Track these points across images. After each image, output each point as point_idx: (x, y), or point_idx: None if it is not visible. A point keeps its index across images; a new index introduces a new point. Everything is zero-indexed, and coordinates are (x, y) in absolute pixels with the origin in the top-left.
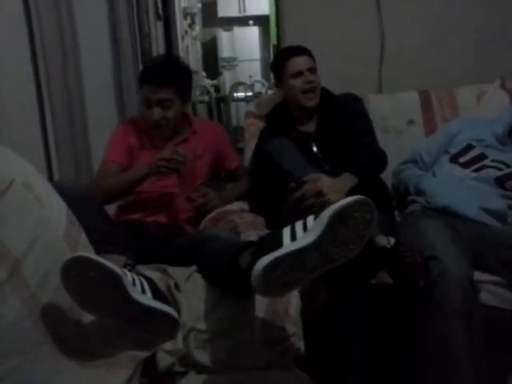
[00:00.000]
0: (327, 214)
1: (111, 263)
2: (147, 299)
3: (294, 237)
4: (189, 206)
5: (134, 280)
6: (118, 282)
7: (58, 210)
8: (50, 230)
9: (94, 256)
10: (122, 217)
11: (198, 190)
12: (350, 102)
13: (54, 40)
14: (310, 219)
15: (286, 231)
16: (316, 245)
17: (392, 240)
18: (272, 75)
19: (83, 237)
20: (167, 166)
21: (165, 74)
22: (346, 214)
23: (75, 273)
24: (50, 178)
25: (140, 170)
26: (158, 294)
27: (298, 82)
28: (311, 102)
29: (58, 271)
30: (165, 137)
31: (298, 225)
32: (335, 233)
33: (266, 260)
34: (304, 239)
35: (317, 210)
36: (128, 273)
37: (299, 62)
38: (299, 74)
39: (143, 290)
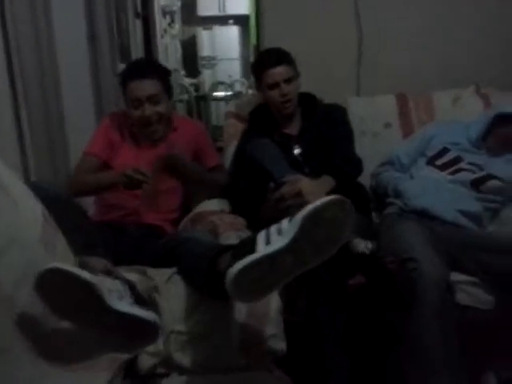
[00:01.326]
0: (300, 216)
1: (86, 272)
2: (125, 306)
3: (268, 241)
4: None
5: (111, 286)
6: (94, 292)
7: (33, 212)
8: (26, 231)
9: (67, 267)
10: (102, 217)
11: (159, 209)
12: (335, 110)
13: (28, 36)
14: (285, 222)
15: (261, 235)
16: (289, 248)
17: (370, 245)
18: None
19: (61, 238)
20: (129, 182)
21: (150, 69)
22: (320, 215)
23: (49, 284)
24: (27, 178)
25: (110, 177)
26: (137, 299)
27: (274, 93)
28: (287, 110)
29: (33, 274)
30: (159, 135)
31: (273, 228)
32: (309, 235)
33: (238, 266)
34: (277, 243)
35: (295, 210)
36: (105, 279)
37: (275, 74)
38: (275, 85)
39: (121, 297)
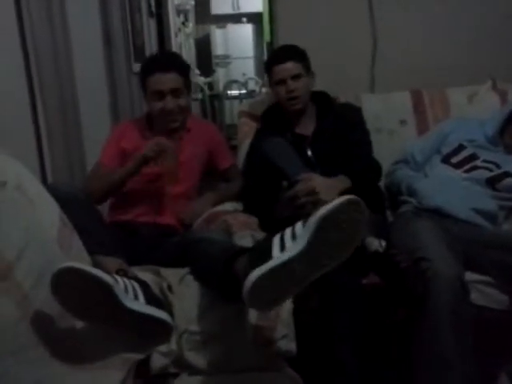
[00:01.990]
0: (314, 219)
1: (102, 272)
2: (140, 305)
3: (283, 246)
4: (180, 207)
5: (126, 286)
6: (110, 292)
7: (50, 213)
8: (43, 232)
9: (83, 266)
10: (114, 218)
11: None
12: (351, 111)
13: (45, 39)
14: (299, 226)
15: (276, 241)
16: (305, 253)
17: (383, 243)
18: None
19: (76, 239)
20: (154, 150)
21: (173, 62)
22: (334, 218)
23: (65, 284)
24: (44, 180)
25: (127, 166)
26: (151, 299)
27: (281, 90)
28: (294, 107)
29: (50, 274)
30: (177, 125)
31: (287, 233)
32: (324, 238)
33: (254, 275)
34: (292, 249)
35: (309, 208)
36: (120, 279)
37: (282, 70)
38: (282, 81)
39: (136, 296)
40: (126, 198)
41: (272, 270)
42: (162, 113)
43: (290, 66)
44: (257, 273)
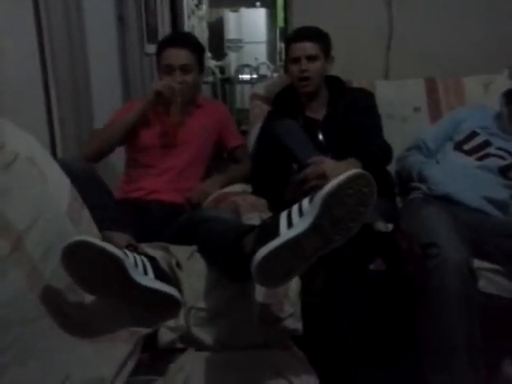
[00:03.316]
0: (321, 195)
1: (113, 246)
2: (149, 280)
3: (290, 223)
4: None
5: (135, 261)
6: (120, 265)
7: (61, 186)
8: (54, 204)
9: (95, 240)
10: (124, 195)
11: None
12: (362, 96)
13: (59, 17)
14: (305, 202)
15: (283, 218)
16: (312, 229)
17: (390, 226)
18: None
19: (86, 213)
20: (168, 87)
21: (186, 40)
22: (341, 193)
23: (76, 257)
24: (54, 155)
25: (134, 110)
26: (160, 274)
27: (294, 68)
28: (304, 88)
29: (60, 246)
30: (183, 103)
31: (294, 209)
32: (331, 213)
33: (262, 252)
34: (300, 225)
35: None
36: (130, 254)
37: (298, 48)
38: (297, 59)
39: (145, 271)
40: (136, 174)
41: (279, 247)
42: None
43: (307, 46)
44: (264, 250)
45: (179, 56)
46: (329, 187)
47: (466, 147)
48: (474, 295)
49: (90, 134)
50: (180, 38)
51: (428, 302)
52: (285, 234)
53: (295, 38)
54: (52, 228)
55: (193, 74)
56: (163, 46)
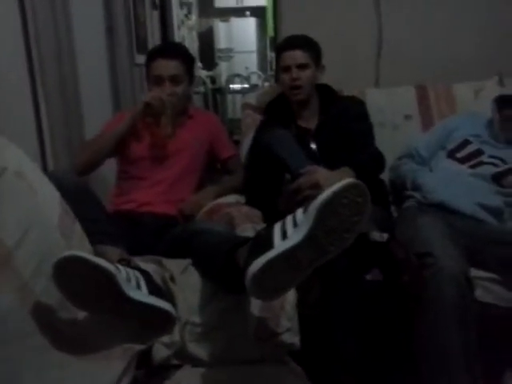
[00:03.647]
0: (315, 205)
1: (105, 261)
2: (143, 295)
3: (284, 235)
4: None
5: (128, 275)
6: (112, 280)
7: (51, 200)
8: (44, 219)
9: (86, 255)
10: (117, 207)
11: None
12: (354, 104)
13: (47, 28)
14: (299, 213)
15: (277, 229)
16: (306, 240)
17: (386, 236)
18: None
19: (77, 227)
20: (157, 98)
21: (176, 51)
22: (335, 202)
23: (67, 272)
24: (44, 168)
25: (123, 122)
26: (154, 289)
27: (285, 77)
28: (296, 97)
29: (51, 261)
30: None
31: (288, 220)
32: (326, 224)
33: (258, 264)
34: (294, 236)
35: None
36: (122, 268)
37: (288, 57)
38: (288, 68)
39: (138, 286)
40: (127, 187)
41: (273, 260)
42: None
43: (297, 55)
44: (258, 262)
45: (169, 67)
46: (323, 197)
47: (459, 155)
48: (470, 304)
49: (80, 146)
50: (170, 48)
51: (424, 311)
52: (279, 245)
53: (285, 46)
54: (42, 243)
55: (183, 84)
56: (152, 56)
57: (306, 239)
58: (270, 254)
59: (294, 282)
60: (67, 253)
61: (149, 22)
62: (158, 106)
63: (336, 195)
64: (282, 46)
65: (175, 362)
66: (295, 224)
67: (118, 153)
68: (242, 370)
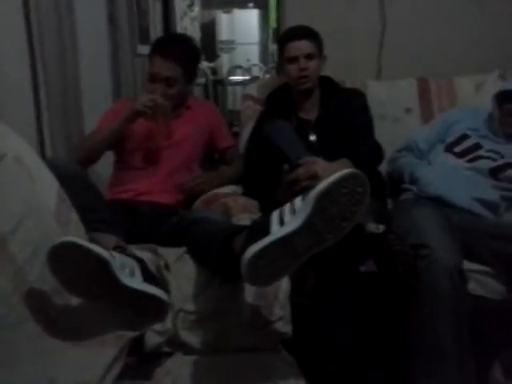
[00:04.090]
0: (314, 193)
1: (99, 247)
2: (136, 282)
3: (281, 221)
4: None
5: (123, 263)
6: (106, 267)
7: (48, 187)
8: (41, 205)
9: (81, 241)
10: (114, 196)
11: (170, 138)
12: (355, 96)
13: (50, 17)
14: (298, 201)
15: (275, 216)
16: (304, 228)
17: (382, 227)
18: (276, 59)
19: (74, 215)
20: (149, 106)
21: (176, 51)
22: (335, 191)
23: (62, 258)
24: (43, 156)
25: (119, 118)
26: (148, 276)
27: (292, 68)
28: (303, 85)
29: (46, 248)
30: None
31: (287, 208)
32: (324, 212)
33: (253, 249)
34: (291, 223)
35: None
36: (117, 255)
37: (296, 47)
38: (295, 59)
39: (133, 273)
40: (125, 176)
41: (270, 245)
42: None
43: (304, 45)
44: (254, 248)
45: (164, 68)
46: (323, 185)
47: (457, 149)
48: (463, 296)
49: (78, 141)
50: (171, 46)
51: (418, 302)
52: (276, 231)
53: (291, 37)
54: (39, 229)
55: (177, 86)
56: (153, 51)
57: (303, 226)
58: (267, 240)
59: (288, 269)
60: (62, 239)
61: (151, 13)
62: (151, 111)
63: (336, 184)
64: (287, 36)
65: (167, 349)
66: (293, 211)
67: (115, 145)
68: (233, 358)
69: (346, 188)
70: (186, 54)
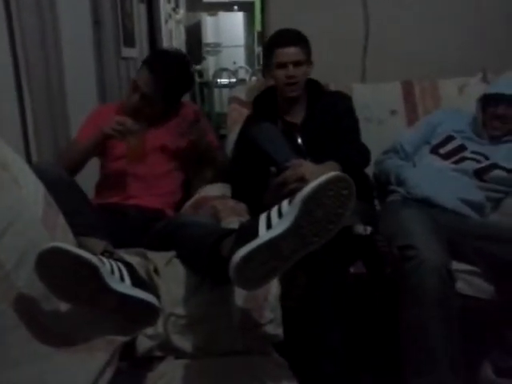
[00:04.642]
0: (300, 196)
1: (88, 253)
2: (126, 287)
3: (269, 225)
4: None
5: (112, 268)
6: (96, 273)
7: (34, 192)
8: (27, 211)
9: (69, 246)
10: (102, 200)
11: (144, 163)
12: (340, 99)
13: (33, 20)
14: (285, 204)
15: (262, 219)
16: (291, 231)
17: (369, 229)
18: (262, 62)
19: (61, 219)
20: (118, 129)
21: (164, 66)
22: (321, 194)
23: (50, 264)
24: (29, 161)
25: (94, 134)
26: (137, 281)
27: (280, 73)
28: (292, 93)
29: (34, 254)
30: (148, 118)
31: (274, 211)
32: (311, 215)
33: (241, 253)
34: (279, 226)
35: None
36: (106, 260)
37: (285, 54)
38: (283, 65)
39: (122, 278)
40: (112, 181)
41: (258, 248)
42: (129, 102)
43: (293, 51)
44: (242, 252)
45: (147, 85)
46: (309, 188)
47: (442, 151)
48: (452, 296)
49: (61, 149)
50: (159, 61)
51: (407, 303)
52: (264, 235)
53: (280, 42)
54: (26, 235)
55: (153, 105)
56: (144, 60)
57: (290, 229)
58: (254, 244)
59: (277, 272)
60: (50, 244)
61: (136, 16)
62: (121, 135)
63: (322, 187)
64: (277, 41)
65: (159, 353)
66: (280, 215)
67: (100, 152)
68: (225, 362)
69: (331, 191)
70: (172, 72)
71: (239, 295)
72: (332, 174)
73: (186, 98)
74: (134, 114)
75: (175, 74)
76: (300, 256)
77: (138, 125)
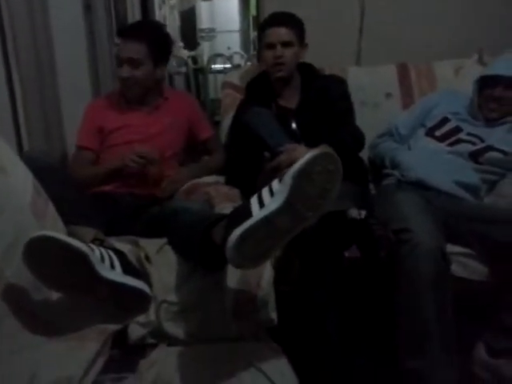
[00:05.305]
0: (290, 174)
1: (77, 241)
2: (117, 275)
3: (261, 204)
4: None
5: (102, 256)
6: (85, 261)
7: (23, 181)
8: (15, 200)
9: (57, 234)
10: (95, 189)
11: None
12: (335, 83)
13: (22, 7)
14: (275, 183)
15: (254, 200)
16: (284, 207)
17: (363, 213)
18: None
19: (51, 208)
20: (137, 161)
21: (138, 31)
22: (309, 170)
23: (38, 253)
24: (20, 149)
25: (112, 163)
26: (128, 269)
27: (268, 54)
28: (278, 73)
29: (22, 243)
30: (135, 97)
31: (265, 191)
32: (301, 191)
33: (238, 232)
34: (272, 204)
35: None
36: (96, 248)
37: (273, 34)
38: (272, 45)
39: (112, 266)
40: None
41: (255, 226)
42: (119, 80)
43: (282, 32)
44: (239, 230)
45: (127, 49)
46: (297, 165)
47: (438, 133)
48: (446, 280)
49: (73, 158)
50: (134, 28)
51: (402, 287)
52: (258, 213)
53: (270, 23)
54: (14, 224)
55: (142, 68)
56: (117, 34)
57: (284, 205)
58: (250, 222)
59: (273, 249)
60: (38, 233)
61: (129, 1)
62: (141, 166)
63: (310, 162)
64: (267, 22)
65: (151, 341)
66: (272, 194)
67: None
68: (218, 348)
69: (319, 166)
70: (150, 35)
71: (232, 281)
72: (317, 150)
73: (182, 84)
74: (125, 90)
75: (149, 29)
76: (296, 232)
77: (156, 154)
